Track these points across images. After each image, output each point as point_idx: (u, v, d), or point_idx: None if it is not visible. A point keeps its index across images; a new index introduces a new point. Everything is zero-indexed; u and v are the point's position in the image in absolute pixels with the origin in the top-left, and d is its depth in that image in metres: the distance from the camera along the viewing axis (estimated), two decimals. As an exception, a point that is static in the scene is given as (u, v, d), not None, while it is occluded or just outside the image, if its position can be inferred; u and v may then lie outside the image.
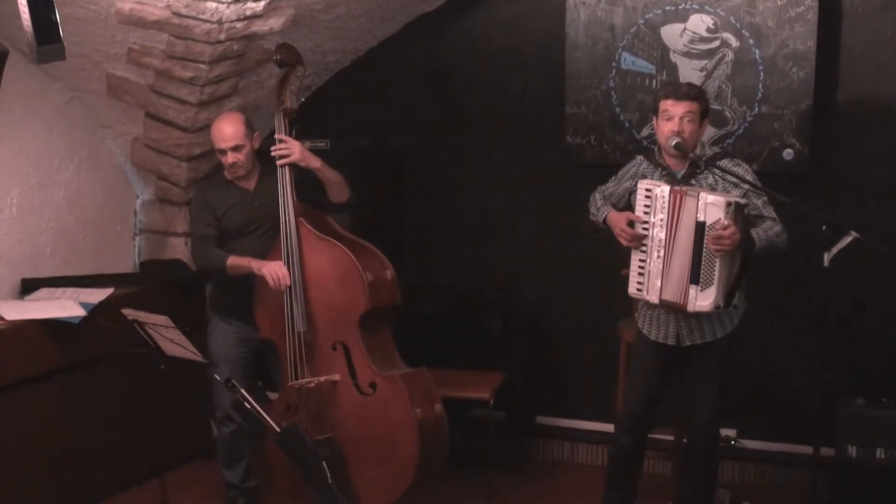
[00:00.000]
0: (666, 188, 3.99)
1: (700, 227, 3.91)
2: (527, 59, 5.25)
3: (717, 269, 3.92)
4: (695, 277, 3.95)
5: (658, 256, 4.02)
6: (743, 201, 3.95)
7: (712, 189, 4.04)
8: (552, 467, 5.33)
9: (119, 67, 4.83)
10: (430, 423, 4.32)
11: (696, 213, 3.91)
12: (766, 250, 4.01)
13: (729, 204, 3.87)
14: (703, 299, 3.96)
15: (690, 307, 3.99)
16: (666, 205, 3.98)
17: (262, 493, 4.79)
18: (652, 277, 4.04)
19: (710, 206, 3.89)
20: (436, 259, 5.48)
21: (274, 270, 4.32)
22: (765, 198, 4.06)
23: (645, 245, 4.05)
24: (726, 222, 3.86)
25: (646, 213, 4.05)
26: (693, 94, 4.09)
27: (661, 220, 4.00)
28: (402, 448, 4.26)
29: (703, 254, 3.92)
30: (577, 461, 5.38)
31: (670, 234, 3.99)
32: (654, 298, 4.05)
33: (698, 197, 3.91)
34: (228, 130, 4.45)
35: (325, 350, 4.38)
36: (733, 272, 3.97)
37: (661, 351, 4.18)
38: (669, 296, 4.02)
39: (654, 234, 4.02)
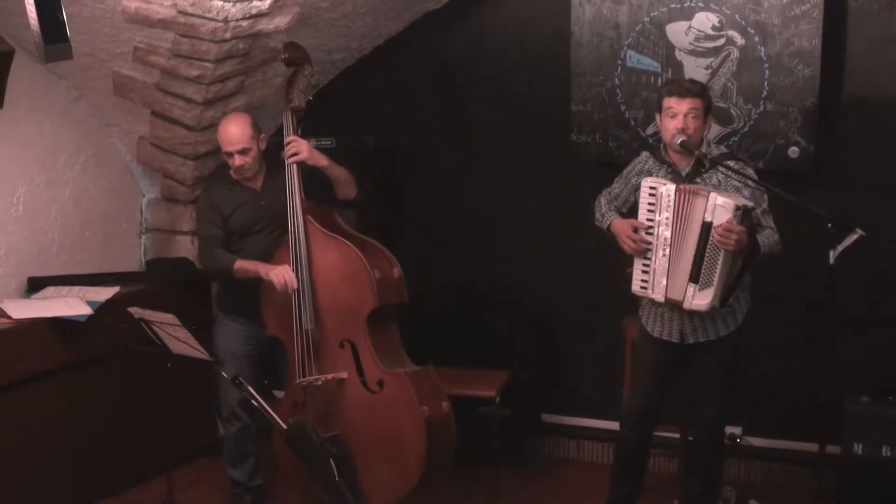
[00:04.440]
0: (672, 187, 3.99)
1: (706, 227, 3.91)
2: (532, 57, 5.25)
3: (718, 269, 3.93)
4: (695, 276, 3.96)
5: (664, 255, 4.02)
6: (751, 205, 3.95)
7: (717, 188, 4.04)
8: (558, 465, 5.34)
9: (125, 66, 4.83)
10: (437, 421, 4.33)
11: (705, 212, 3.91)
12: (765, 257, 4.05)
13: (738, 207, 3.87)
14: (700, 298, 3.98)
15: (687, 305, 4.01)
16: (672, 203, 3.98)
17: (269, 491, 4.81)
18: (657, 276, 4.04)
19: (720, 207, 3.89)
20: (441, 257, 5.48)
21: (281, 274, 4.33)
22: (764, 206, 4.06)
23: (650, 249, 4.06)
24: (731, 222, 3.86)
25: (650, 210, 4.05)
26: (696, 90, 4.10)
27: (667, 218, 4.00)
28: (409, 445, 4.27)
29: (707, 253, 3.93)
30: (582, 459, 5.38)
31: (676, 233, 3.99)
32: (659, 297, 4.05)
33: (708, 197, 3.91)
34: (235, 133, 4.45)
35: (332, 348, 4.38)
36: (733, 275, 3.99)
37: (664, 348, 4.19)
38: (673, 294, 4.02)
39: (660, 233, 4.03)
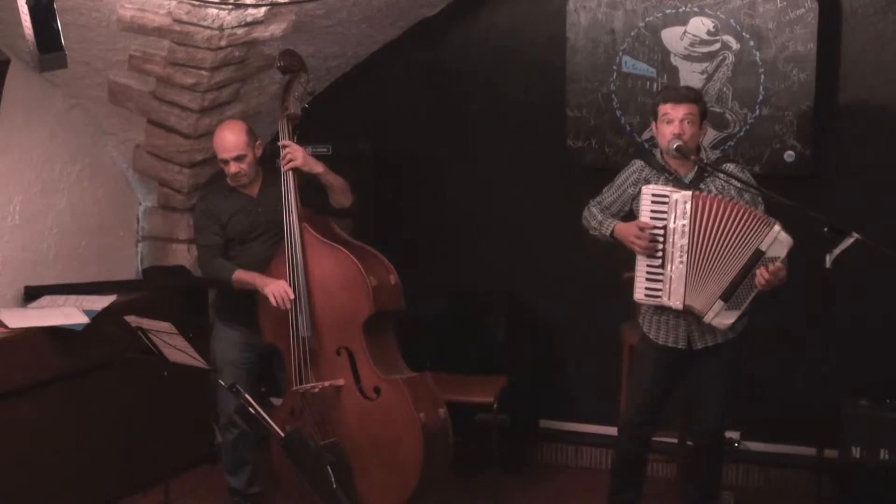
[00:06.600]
0: (687, 194, 3.98)
1: (757, 255, 3.92)
2: (527, 63, 5.25)
3: (750, 298, 3.97)
4: (727, 296, 3.98)
5: (680, 262, 4.00)
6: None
7: (720, 194, 4.04)
8: (556, 471, 5.33)
9: (121, 74, 4.83)
10: (434, 428, 4.33)
11: (762, 240, 3.92)
12: None
13: (791, 245, 3.91)
14: (724, 317, 4.00)
15: (707, 319, 4.01)
16: (688, 210, 3.97)
17: (267, 499, 4.80)
18: (674, 283, 4.02)
19: (779, 242, 3.91)
20: (438, 263, 5.48)
21: (277, 290, 4.34)
22: (761, 209, 4.06)
23: (659, 251, 4.04)
24: (781, 264, 3.89)
25: (654, 218, 4.03)
26: (692, 96, 4.10)
27: (684, 225, 3.98)
28: (407, 452, 4.27)
29: (747, 279, 3.95)
30: (580, 464, 5.37)
31: (699, 241, 3.97)
32: (676, 304, 4.03)
33: (773, 227, 3.91)
34: (230, 140, 4.45)
35: (329, 355, 4.38)
36: (755, 301, 4.02)
37: (668, 355, 4.17)
38: (695, 302, 4.02)
39: (675, 241, 4.01)
